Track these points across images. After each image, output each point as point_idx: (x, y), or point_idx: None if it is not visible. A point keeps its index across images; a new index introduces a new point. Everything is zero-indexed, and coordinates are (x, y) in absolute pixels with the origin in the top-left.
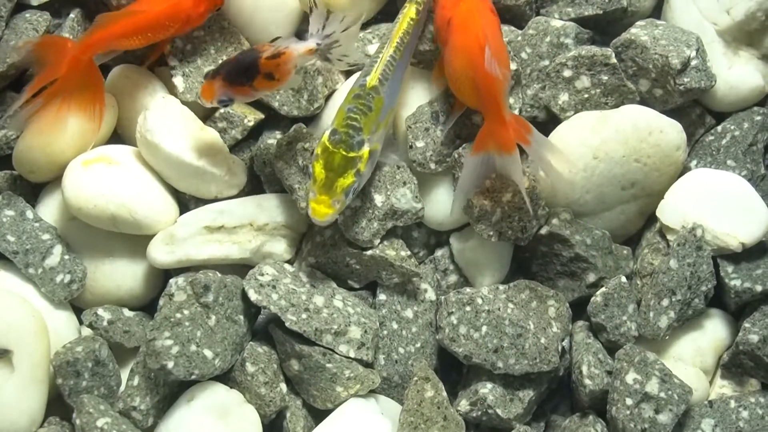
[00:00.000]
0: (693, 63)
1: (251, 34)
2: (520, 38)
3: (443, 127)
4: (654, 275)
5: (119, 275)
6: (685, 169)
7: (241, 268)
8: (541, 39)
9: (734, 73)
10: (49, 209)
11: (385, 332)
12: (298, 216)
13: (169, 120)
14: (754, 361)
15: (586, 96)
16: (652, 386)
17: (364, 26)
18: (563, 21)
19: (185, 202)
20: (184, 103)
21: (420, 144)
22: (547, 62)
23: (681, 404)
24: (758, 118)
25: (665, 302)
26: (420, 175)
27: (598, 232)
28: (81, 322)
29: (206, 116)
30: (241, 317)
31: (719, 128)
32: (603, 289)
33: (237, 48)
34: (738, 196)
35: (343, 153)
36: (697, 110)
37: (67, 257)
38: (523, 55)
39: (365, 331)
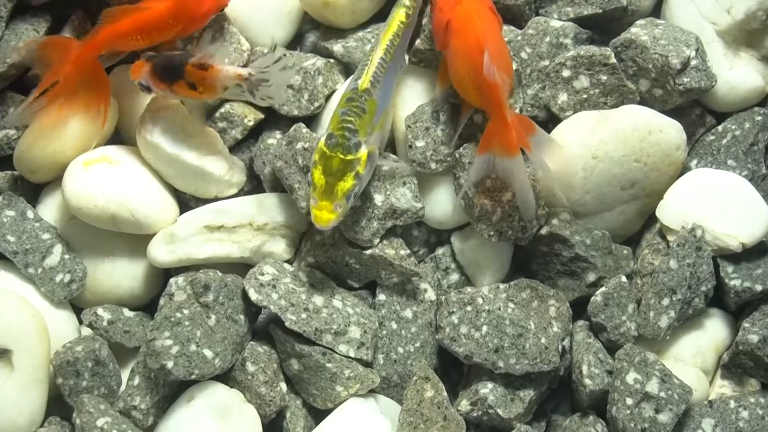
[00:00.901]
0: (693, 63)
1: (251, 34)
2: (519, 38)
3: (449, 131)
4: (654, 275)
5: (119, 275)
6: (685, 169)
7: (241, 267)
8: (540, 39)
9: (735, 74)
10: (49, 209)
11: (384, 332)
12: (297, 216)
13: (170, 120)
14: (754, 361)
15: (585, 96)
16: (653, 386)
17: (364, 25)
18: (562, 21)
19: (185, 202)
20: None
21: (420, 144)
22: (546, 62)
23: (681, 404)
24: (759, 118)
25: (665, 302)
26: (420, 175)
27: (598, 232)
28: (81, 322)
29: (206, 116)
30: (242, 317)
31: (720, 128)
32: (603, 288)
33: (237, 48)
34: (738, 196)
35: (341, 156)
36: (697, 110)
37: (67, 257)
38: (523, 55)
39: (365, 331)
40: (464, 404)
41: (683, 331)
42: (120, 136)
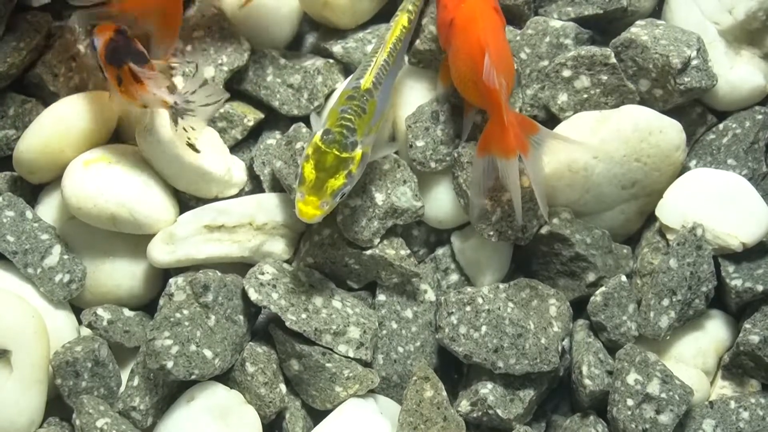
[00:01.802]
0: (694, 63)
1: (251, 34)
2: (519, 38)
3: (449, 131)
4: (654, 275)
5: (119, 275)
6: (684, 169)
7: (240, 267)
8: (540, 39)
9: (736, 73)
10: (48, 209)
11: (384, 332)
12: (297, 216)
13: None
14: (755, 361)
15: (585, 96)
16: (653, 387)
17: (364, 26)
18: (562, 21)
19: (185, 202)
20: None
21: (420, 143)
22: (546, 62)
23: (682, 405)
24: (760, 116)
25: (665, 302)
26: (420, 174)
27: (598, 231)
28: (80, 322)
29: None
30: (241, 317)
31: (720, 126)
32: (603, 288)
33: (237, 48)
34: (738, 195)
35: (336, 153)
36: (697, 109)
37: (66, 257)
38: (522, 56)
39: (364, 331)
40: (464, 404)
41: (684, 332)
42: (120, 136)
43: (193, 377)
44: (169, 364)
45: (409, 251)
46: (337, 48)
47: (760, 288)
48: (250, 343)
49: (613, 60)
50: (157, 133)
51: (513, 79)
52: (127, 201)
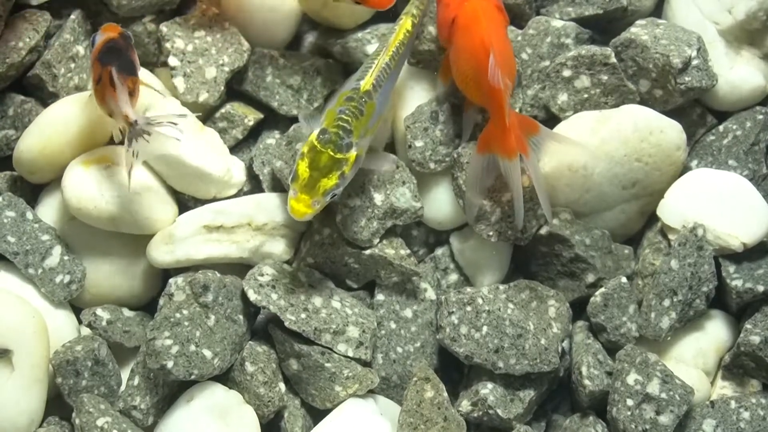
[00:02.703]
0: (694, 62)
1: (251, 34)
2: (520, 38)
3: (449, 131)
4: (655, 275)
5: (119, 275)
6: (685, 169)
7: (240, 267)
8: (541, 39)
9: (736, 73)
10: (48, 210)
11: (383, 332)
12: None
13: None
14: (756, 362)
15: (585, 96)
16: (653, 387)
17: (363, 26)
18: (564, 21)
19: (184, 202)
20: (184, 103)
21: (419, 144)
22: (547, 63)
23: (682, 405)
24: (761, 117)
25: (666, 303)
26: (419, 175)
27: (598, 231)
28: (80, 322)
29: (206, 116)
30: (241, 317)
31: (720, 128)
32: (602, 289)
33: (237, 49)
34: (739, 195)
35: (331, 153)
36: (697, 110)
37: (66, 258)
38: (524, 56)
39: (363, 331)
40: (465, 405)
41: (684, 332)
42: (119, 137)
43: (192, 377)
44: (169, 364)
45: (408, 251)
46: (336, 48)
47: (760, 288)
48: (250, 342)
49: (613, 60)
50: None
51: (515, 79)
52: (127, 201)
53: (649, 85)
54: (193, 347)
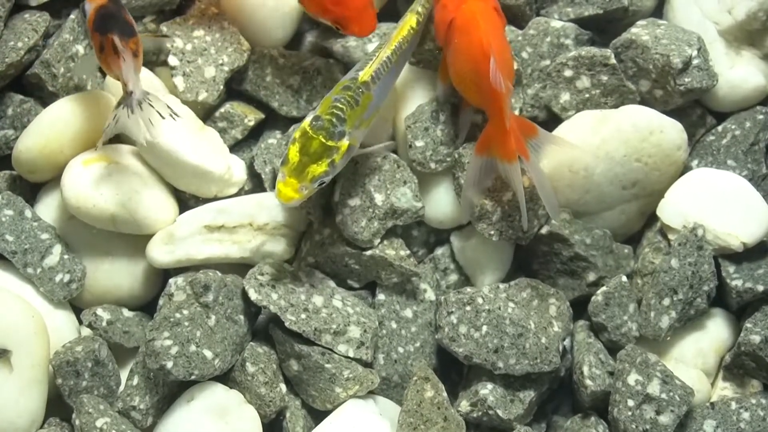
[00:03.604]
0: (695, 62)
1: (251, 34)
2: (520, 38)
3: (449, 131)
4: (655, 274)
5: (119, 275)
6: (686, 169)
7: (240, 267)
8: (541, 39)
9: (736, 73)
10: (48, 209)
11: (384, 332)
12: (297, 215)
13: (169, 119)
14: (756, 361)
15: (586, 96)
16: (654, 387)
17: None
18: (563, 22)
19: (185, 202)
20: (184, 102)
21: (420, 143)
22: (547, 62)
23: (683, 405)
24: (760, 117)
25: (666, 302)
26: (420, 174)
27: (599, 231)
28: (80, 322)
29: (206, 116)
30: (241, 317)
31: (720, 128)
32: (604, 288)
33: (237, 48)
34: (739, 195)
35: (322, 140)
36: (697, 111)
37: (66, 257)
38: (524, 55)
39: (364, 331)
40: (464, 405)
41: (684, 332)
42: (120, 136)
43: (192, 377)
44: (169, 365)
45: (408, 251)
46: (337, 47)
47: (760, 288)
48: (251, 343)
49: (613, 61)
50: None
51: (513, 81)
52: (127, 201)
53: (650, 85)
54: (193, 347)
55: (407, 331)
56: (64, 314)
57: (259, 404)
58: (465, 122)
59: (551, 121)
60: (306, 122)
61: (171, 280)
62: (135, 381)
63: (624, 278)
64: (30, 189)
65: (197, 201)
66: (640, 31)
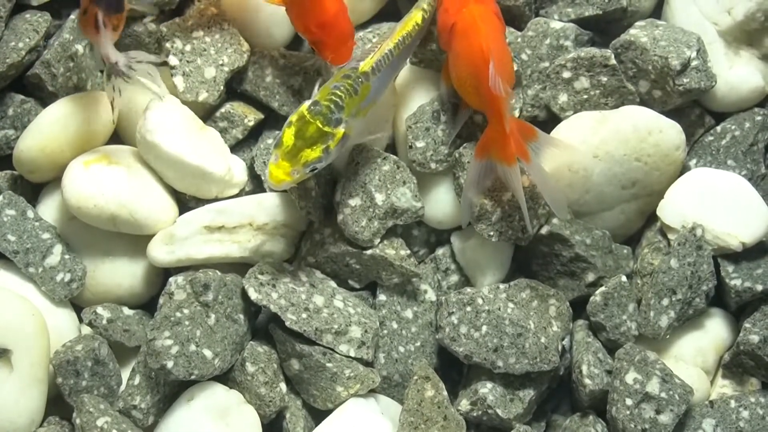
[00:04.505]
0: (693, 63)
1: (251, 34)
2: (519, 40)
3: (450, 131)
4: (654, 274)
5: (119, 274)
6: (685, 169)
7: (241, 267)
8: (540, 41)
9: (735, 74)
10: (49, 209)
11: (385, 332)
12: (297, 215)
13: (169, 120)
14: (755, 360)
15: (585, 97)
16: (653, 386)
17: (364, 25)
18: (563, 22)
19: (185, 202)
20: (184, 103)
21: (420, 144)
22: (547, 63)
23: (682, 404)
24: (759, 118)
25: (665, 302)
26: (420, 174)
27: (598, 231)
28: (81, 321)
29: (206, 116)
30: (241, 316)
31: (719, 128)
32: (602, 288)
33: (237, 49)
34: (738, 195)
35: (319, 125)
36: (696, 111)
37: (67, 256)
38: (524, 57)
39: (365, 331)
40: (464, 404)
41: (684, 331)
42: (120, 136)
43: (193, 377)
44: (169, 364)
45: (409, 251)
46: None
47: (759, 287)
48: (251, 342)
49: (613, 61)
50: (156, 133)
51: (512, 85)
52: (127, 201)
53: (649, 86)
54: (193, 347)
55: (408, 331)
56: (65, 313)
57: (258, 404)
58: (460, 119)
59: (551, 121)
60: (304, 107)
61: (171, 279)
62: (137, 380)
63: (623, 278)
64: (31, 189)
65: (197, 202)
66: (638, 32)
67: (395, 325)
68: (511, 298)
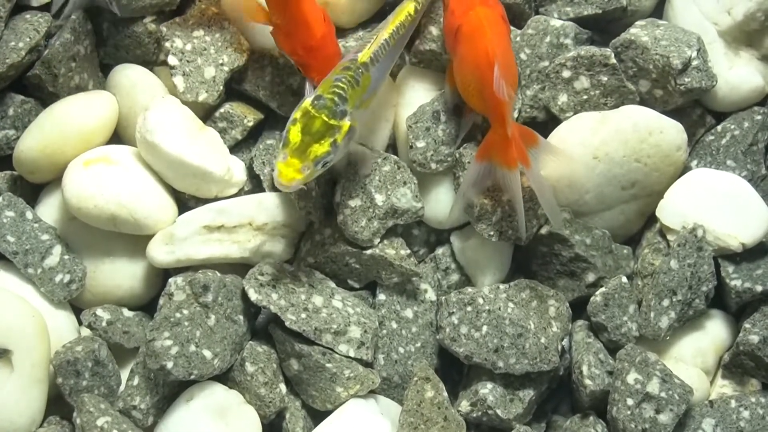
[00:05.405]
0: (694, 63)
1: (251, 34)
2: (519, 38)
3: (450, 132)
4: (655, 275)
5: (119, 275)
6: (686, 169)
7: (240, 267)
8: (540, 39)
9: (735, 73)
10: (48, 209)
11: (385, 332)
12: (297, 215)
13: (169, 120)
14: (755, 361)
15: (585, 97)
16: (653, 386)
17: (364, 25)
18: (562, 21)
19: (185, 202)
20: (184, 103)
21: (420, 144)
22: (546, 63)
23: (682, 404)
24: (758, 117)
25: (666, 302)
26: (420, 174)
27: (598, 231)
28: (80, 322)
29: (206, 116)
30: (241, 317)
31: (719, 128)
32: (603, 289)
33: (237, 49)
34: (738, 196)
35: (325, 118)
36: (697, 111)
37: (66, 257)
38: (522, 56)
39: (365, 331)
40: (464, 405)
41: (684, 332)
42: (120, 136)
43: (192, 377)
44: (169, 365)
45: (409, 251)
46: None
47: (759, 288)
48: (251, 342)
49: (613, 61)
50: (156, 133)
51: (516, 89)
52: (127, 201)
53: (649, 85)
54: (192, 347)
55: (408, 331)
56: (65, 314)
57: (258, 405)
58: (466, 125)
59: (551, 121)
60: (307, 102)
61: (171, 280)
62: (136, 381)
63: (624, 279)
64: (31, 189)
65: (197, 201)
66: (639, 31)
67: (395, 325)
68: (511, 298)
